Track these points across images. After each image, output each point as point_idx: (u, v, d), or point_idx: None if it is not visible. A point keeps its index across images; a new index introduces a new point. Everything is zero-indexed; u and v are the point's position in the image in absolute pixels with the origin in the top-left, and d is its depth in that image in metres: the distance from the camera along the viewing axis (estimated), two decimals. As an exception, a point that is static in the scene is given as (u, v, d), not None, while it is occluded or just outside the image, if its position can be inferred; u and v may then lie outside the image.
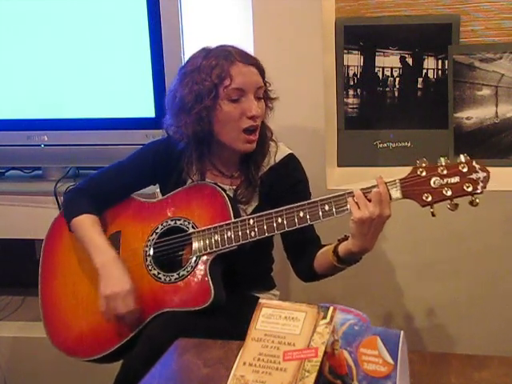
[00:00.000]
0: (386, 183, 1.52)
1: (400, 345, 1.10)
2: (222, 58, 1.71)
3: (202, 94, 1.70)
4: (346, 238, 1.60)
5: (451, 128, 2.30)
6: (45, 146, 2.35)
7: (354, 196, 1.54)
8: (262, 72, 1.77)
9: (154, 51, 2.21)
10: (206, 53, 1.75)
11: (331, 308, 1.13)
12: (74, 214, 1.83)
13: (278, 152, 1.84)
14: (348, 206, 1.55)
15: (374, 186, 1.53)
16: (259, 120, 1.75)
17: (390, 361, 1.09)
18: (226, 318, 1.69)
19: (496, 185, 2.16)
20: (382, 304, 2.31)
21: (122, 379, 1.68)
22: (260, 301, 1.18)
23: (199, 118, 1.71)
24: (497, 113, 2.27)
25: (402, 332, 1.12)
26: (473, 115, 2.29)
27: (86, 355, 1.78)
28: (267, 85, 1.79)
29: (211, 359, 1.36)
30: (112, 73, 2.29)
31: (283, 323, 1.13)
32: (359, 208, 1.52)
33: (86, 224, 1.81)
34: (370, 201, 1.52)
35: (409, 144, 2.34)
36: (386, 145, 2.35)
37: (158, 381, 1.32)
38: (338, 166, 2.38)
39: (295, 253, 1.81)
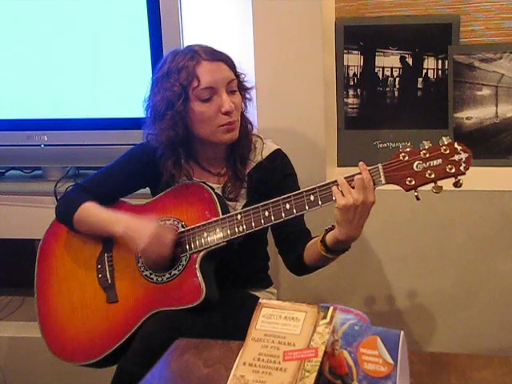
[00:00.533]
0: (368, 169, 1.52)
1: (400, 345, 1.10)
2: (187, 59, 1.71)
3: (172, 100, 1.70)
4: (333, 228, 1.60)
5: (451, 128, 2.29)
6: (45, 146, 2.36)
7: (338, 184, 1.54)
8: (231, 65, 1.75)
9: (153, 51, 2.21)
10: (173, 56, 1.75)
11: (331, 308, 1.13)
12: (73, 209, 1.81)
13: (265, 148, 1.83)
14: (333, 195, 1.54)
15: (357, 173, 1.53)
16: (235, 114, 1.74)
17: (390, 361, 1.09)
18: (221, 316, 1.70)
19: (496, 185, 2.18)
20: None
21: (118, 376, 1.69)
22: (260, 301, 1.18)
23: (173, 123, 1.71)
24: (497, 113, 2.27)
25: (402, 332, 1.12)
26: (473, 115, 2.29)
27: (82, 359, 1.77)
28: (241, 76, 1.78)
29: (211, 359, 1.36)
30: (112, 73, 2.29)
31: (283, 323, 1.13)
32: (343, 195, 1.52)
33: (90, 210, 1.79)
34: (353, 188, 1.51)
35: (409, 144, 2.32)
36: (385, 145, 2.35)
37: (158, 381, 1.32)
38: (338, 166, 2.38)
39: (285, 246, 1.81)
